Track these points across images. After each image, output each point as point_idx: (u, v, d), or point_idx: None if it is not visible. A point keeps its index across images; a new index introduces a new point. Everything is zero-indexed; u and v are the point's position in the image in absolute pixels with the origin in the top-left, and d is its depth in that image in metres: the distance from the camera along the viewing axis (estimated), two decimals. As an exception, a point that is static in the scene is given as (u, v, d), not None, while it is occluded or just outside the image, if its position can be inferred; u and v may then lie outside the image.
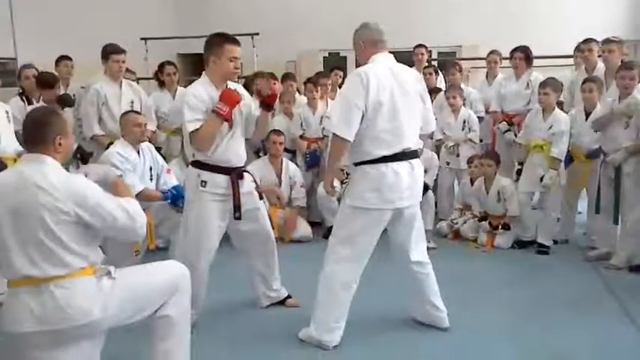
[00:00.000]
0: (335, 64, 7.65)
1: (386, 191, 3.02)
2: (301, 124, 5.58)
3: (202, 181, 3.21)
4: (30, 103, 4.72)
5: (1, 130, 3.86)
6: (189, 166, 3.33)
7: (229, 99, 3.10)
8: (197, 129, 3.09)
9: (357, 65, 3.21)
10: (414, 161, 3.10)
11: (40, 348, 2.32)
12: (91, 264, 2.36)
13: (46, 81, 4.65)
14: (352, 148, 3.05)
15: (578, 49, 5.52)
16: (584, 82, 4.74)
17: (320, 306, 3.15)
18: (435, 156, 5.29)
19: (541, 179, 4.67)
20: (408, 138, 3.04)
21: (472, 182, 5.33)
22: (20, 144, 3.80)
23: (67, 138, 2.41)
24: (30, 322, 2.26)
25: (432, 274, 3.30)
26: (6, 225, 2.26)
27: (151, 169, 4.05)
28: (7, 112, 3.99)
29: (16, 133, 3.96)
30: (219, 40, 3.17)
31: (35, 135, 2.37)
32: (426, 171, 4.81)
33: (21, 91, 4.95)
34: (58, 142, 2.37)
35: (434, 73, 6.19)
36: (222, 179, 3.23)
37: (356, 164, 3.10)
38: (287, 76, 6.02)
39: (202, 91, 3.13)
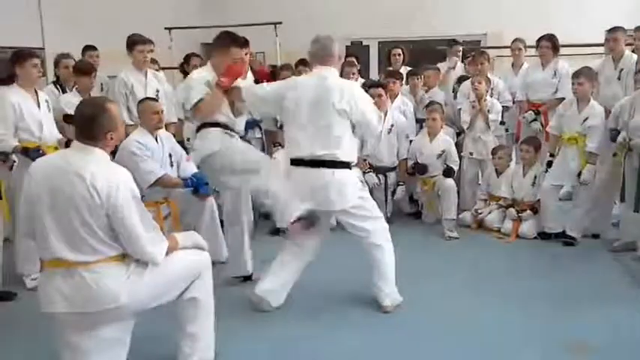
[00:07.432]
0: (356, 53, 7.49)
1: (292, 190, 3.30)
2: None
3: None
4: (64, 91, 4.83)
5: (43, 118, 3.95)
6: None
7: (231, 72, 3.42)
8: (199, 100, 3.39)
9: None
10: (316, 170, 3.23)
11: (71, 329, 2.40)
12: (121, 252, 2.43)
13: (81, 68, 4.77)
14: None
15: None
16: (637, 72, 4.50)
17: None
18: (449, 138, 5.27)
19: (579, 175, 4.56)
20: (309, 147, 3.22)
21: (497, 173, 5.29)
22: (59, 131, 3.98)
23: (118, 131, 2.49)
24: (61, 303, 2.35)
25: (387, 258, 3.42)
26: (44, 203, 2.35)
27: (170, 156, 4.10)
28: (47, 102, 4.08)
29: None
30: (227, 42, 3.51)
31: (87, 131, 2.43)
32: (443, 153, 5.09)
33: (55, 79, 5.05)
34: (110, 137, 2.45)
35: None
36: None
37: None
38: (285, 67, 5.80)
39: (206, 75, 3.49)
